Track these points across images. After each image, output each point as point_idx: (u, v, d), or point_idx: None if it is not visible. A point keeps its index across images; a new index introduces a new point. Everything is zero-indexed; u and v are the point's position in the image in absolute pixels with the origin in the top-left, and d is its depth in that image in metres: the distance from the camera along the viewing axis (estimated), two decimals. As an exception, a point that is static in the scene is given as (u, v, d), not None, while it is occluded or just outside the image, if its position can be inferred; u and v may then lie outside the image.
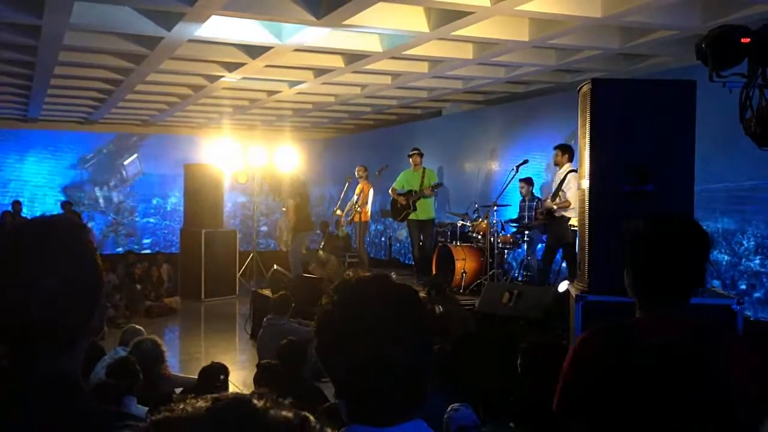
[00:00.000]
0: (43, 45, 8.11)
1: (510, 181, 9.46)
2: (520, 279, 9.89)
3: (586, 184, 4.36)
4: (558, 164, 9.14)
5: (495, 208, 9.66)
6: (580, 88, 4.53)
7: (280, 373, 4.84)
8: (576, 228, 9.05)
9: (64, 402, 1.26)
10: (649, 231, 2.13)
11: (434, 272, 8.19)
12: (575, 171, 8.33)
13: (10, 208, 14.57)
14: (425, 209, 10.88)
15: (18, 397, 1.24)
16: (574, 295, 4.32)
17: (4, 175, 16.35)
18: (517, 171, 9.35)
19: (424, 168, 11.10)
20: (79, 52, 8.88)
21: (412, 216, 10.86)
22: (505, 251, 10.17)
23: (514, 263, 10.83)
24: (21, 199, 15.31)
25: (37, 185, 16.59)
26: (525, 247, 9.94)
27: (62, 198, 16.39)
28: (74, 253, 1.32)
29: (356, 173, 11.86)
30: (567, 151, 9.03)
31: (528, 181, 10.05)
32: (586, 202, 4.35)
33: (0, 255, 1.30)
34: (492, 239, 9.60)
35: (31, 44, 8.16)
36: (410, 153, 11.16)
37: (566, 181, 8.82)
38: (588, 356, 2.06)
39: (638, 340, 2.00)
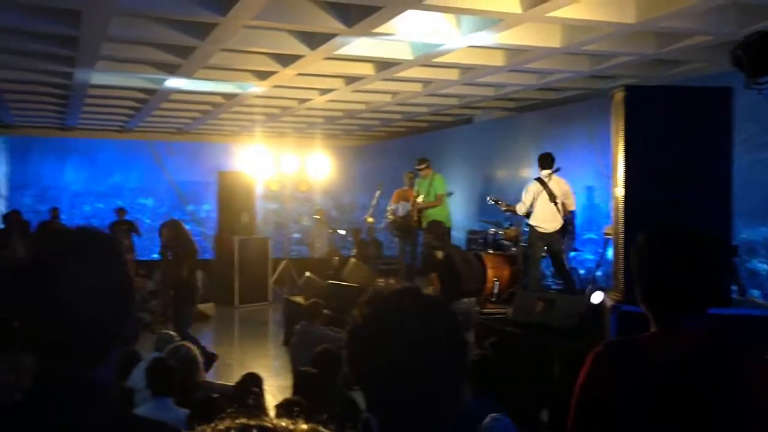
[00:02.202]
0: (80, 56, 8.27)
1: (542, 190, 9.36)
2: (552, 287, 9.79)
3: (620, 192, 4.31)
4: None
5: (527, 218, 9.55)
6: (613, 94, 4.49)
7: (315, 381, 4.85)
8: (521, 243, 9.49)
9: (96, 411, 1.28)
10: (651, 243, 2.08)
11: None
12: (537, 179, 9.02)
13: (48, 216, 14.84)
14: (436, 218, 10.44)
15: (49, 406, 1.26)
16: (608, 306, 4.27)
17: (43, 183, 16.69)
18: (549, 179, 9.25)
19: (434, 174, 11.05)
20: (115, 62, 9.04)
21: (423, 225, 10.79)
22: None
23: (547, 272, 10.74)
24: (59, 207, 15.60)
25: (76, 192, 16.90)
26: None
27: (99, 205, 16.69)
28: (106, 265, 1.34)
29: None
30: (538, 160, 9.28)
31: None
32: (621, 211, 4.30)
33: (34, 266, 1.32)
34: (523, 247, 9.51)
35: (69, 55, 8.32)
36: (417, 167, 11.15)
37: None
38: (594, 375, 2.03)
39: (646, 357, 1.96)
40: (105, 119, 14.56)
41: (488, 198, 10.23)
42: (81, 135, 16.17)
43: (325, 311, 7.67)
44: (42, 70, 9.51)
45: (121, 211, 14.88)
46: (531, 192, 9.03)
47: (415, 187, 11.27)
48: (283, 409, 4.23)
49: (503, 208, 9.84)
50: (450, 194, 10.90)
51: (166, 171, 17.46)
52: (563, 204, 9.02)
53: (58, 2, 6.47)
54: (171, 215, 17.44)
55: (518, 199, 9.30)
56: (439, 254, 7.56)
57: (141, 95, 11.44)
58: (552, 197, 8.84)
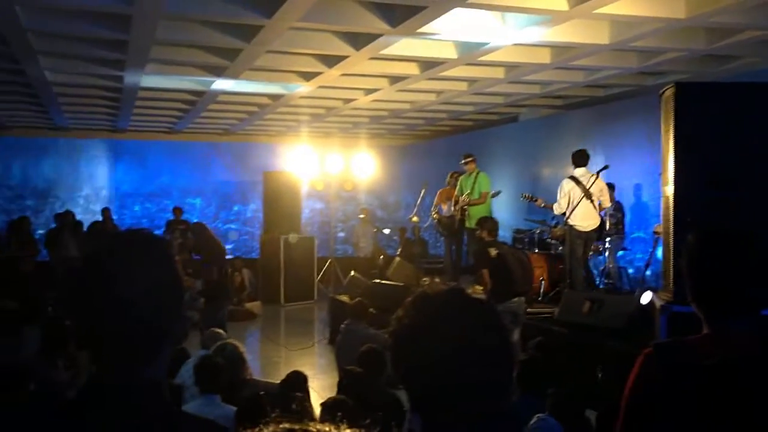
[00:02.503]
0: (130, 59, 8.45)
1: (589, 187, 9.23)
2: (601, 287, 9.65)
3: (670, 191, 4.22)
4: None
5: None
6: (663, 92, 4.40)
7: (361, 381, 4.87)
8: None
9: (148, 408, 1.31)
10: (702, 242, 2.04)
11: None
12: (570, 177, 8.96)
13: (100, 216, 15.19)
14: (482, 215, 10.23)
15: (103, 404, 1.30)
16: (658, 306, 4.19)
17: (95, 184, 17.10)
18: (597, 177, 9.12)
19: (478, 171, 10.94)
20: (164, 65, 9.21)
21: (466, 224, 10.72)
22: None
23: (595, 271, 10.59)
24: (110, 207, 15.96)
25: (126, 193, 17.28)
26: (606, 254, 9.70)
27: (149, 205, 17.05)
28: (158, 266, 1.37)
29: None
30: (572, 158, 9.19)
31: (609, 187, 9.80)
32: (671, 210, 4.22)
33: (88, 267, 1.36)
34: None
35: (120, 58, 8.51)
36: (462, 161, 11.06)
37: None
38: (644, 376, 1.99)
39: (696, 358, 1.91)
40: (155, 121, 14.86)
41: (522, 195, 10.15)
42: (131, 137, 16.52)
43: (371, 310, 7.69)
44: (94, 73, 9.75)
45: (177, 210, 15.10)
46: (565, 191, 8.97)
47: (458, 186, 11.21)
48: (328, 408, 4.25)
49: (542, 205, 9.78)
50: (497, 194, 10.75)
51: (213, 171, 17.74)
52: (599, 202, 8.93)
53: (108, 7, 6.62)
54: (219, 215, 17.79)
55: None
56: (493, 251, 7.47)
57: (189, 97, 11.64)
58: (588, 195, 8.74)
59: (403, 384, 1.36)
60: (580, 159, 9.11)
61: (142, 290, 1.32)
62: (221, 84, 10.18)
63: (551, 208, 9.44)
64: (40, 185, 16.71)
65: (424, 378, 1.32)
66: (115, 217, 16.08)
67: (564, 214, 9.01)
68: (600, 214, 9.01)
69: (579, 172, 9.01)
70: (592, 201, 8.82)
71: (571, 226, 8.76)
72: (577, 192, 8.82)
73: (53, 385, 4.77)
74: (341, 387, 4.84)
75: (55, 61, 8.99)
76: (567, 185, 8.96)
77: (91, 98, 11.92)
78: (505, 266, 7.39)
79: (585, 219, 8.81)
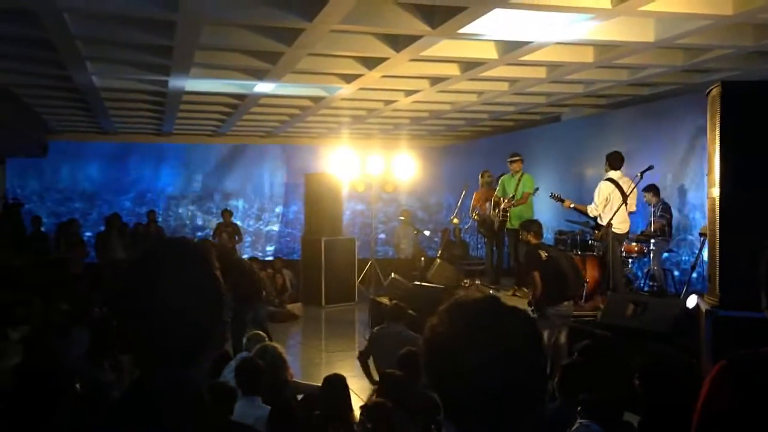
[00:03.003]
0: (174, 64, 8.59)
1: (633, 188, 9.09)
2: (645, 290, 9.48)
3: (715, 192, 4.12)
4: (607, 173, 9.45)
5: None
6: (709, 91, 4.30)
7: (400, 384, 4.87)
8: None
9: (189, 411, 1.33)
10: None
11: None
12: (609, 179, 9.06)
13: (146, 219, 15.47)
14: (522, 217, 10.04)
15: (145, 407, 1.32)
16: (703, 310, 4.09)
17: (141, 187, 17.43)
18: (641, 178, 8.98)
19: (522, 173, 10.84)
20: (207, 69, 9.34)
21: (507, 225, 10.63)
22: (629, 261, 9.77)
23: (639, 273, 10.40)
24: (156, 210, 16.24)
25: (171, 195, 17.58)
26: (651, 256, 9.52)
27: (193, 207, 17.32)
28: (198, 272, 1.40)
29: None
30: (607, 160, 9.38)
31: (649, 189, 9.65)
32: (717, 212, 4.12)
33: (132, 273, 1.39)
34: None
35: (165, 63, 8.66)
36: (509, 159, 10.99)
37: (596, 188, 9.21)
38: (718, 390, 1.92)
39: None
40: (198, 124, 15.07)
41: (550, 194, 10.10)
42: (176, 140, 16.80)
43: (410, 312, 7.68)
44: (140, 78, 9.94)
45: (227, 213, 15.27)
46: (603, 193, 9.01)
47: (500, 185, 11.11)
48: (369, 411, 4.26)
49: (571, 206, 9.80)
50: (536, 190, 10.65)
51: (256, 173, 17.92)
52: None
53: (153, 13, 6.73)
54: (261, 217, 17.98)
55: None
56: (543, 254, 7.41)
57: (232, 101, 11.78)
58: (625, 198, 8.74)
59: (437, 391, 1.35)
60: (616, 161, 9.18)
61: (183, 295, 1.35)
62: (263, 87, 10.28)
63: (582, 210, 9.45)
64: (87, 188, 17.10)
65: (458, 386, 1.32)
66: (159, 219, 16.38)
67: (598, 216, 9.03)
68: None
69: (616, 174, 9.00)
70: (626, 204, 8.79)
71: (611, 228, 8.73)
72: (617, 195, 8.80)
73: (99, 386, 4.87)
74: (381, 390, 4.84)
75: (102, 66, 9.18)
76: (607, 188, 8.96)
77: (136, 102, 12.15)
78: (558, 270, 7.31)
79: (622, 222, 8.87)
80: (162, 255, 1.43)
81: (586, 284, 9.20)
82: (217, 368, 5.48)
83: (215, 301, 1.41)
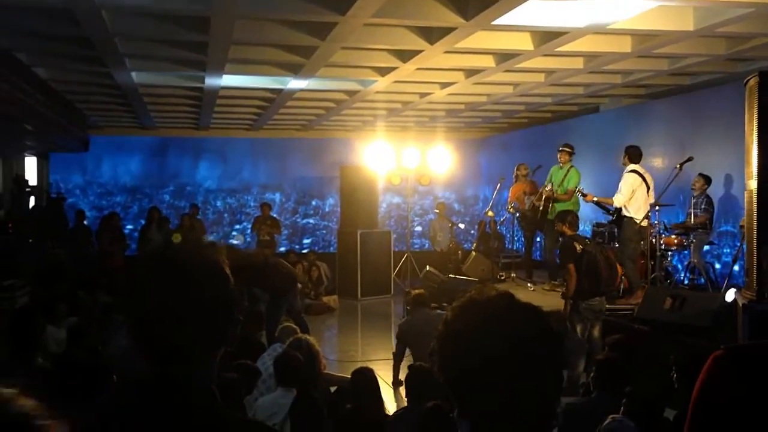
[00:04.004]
0: (210, 59, 8.69)
1: (672, 180, 8.93)
2: (686, 284, 9.32)
3: (753, 185, 4.03)
4: (624, 165, 9.44)
5: (657, 208, 9.13)
6: (747, 80, 4.20)
7: (427, 374, 4.88)
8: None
9: (197, 410, 1.35)
10: None
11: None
12: (634, 171, 9.05)
13: (188, 212, 15.68)
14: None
15: (153, 405, 1.34)
16: (740, 304, 4.01)
17: (180, 180, 17.69)
18: (680, 169, 8.81)
19: (571, 166, 10.67)
20: (242, 64, 9.42)
21: (549, 215, 10.49)
22: (669, 254, 9.61)
23: (680, 266, 10.22)
24: (196, 203, 16.46)
25: (209, 189, 17.80)
26: (691, 248, 9.34)
27: (230, 201, 17.53)
28: (208, 276, 1.41)
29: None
30: (627, 153, 9.39)
31: (704, 177, 9.45)
32: (754, 204, 4.03)
33: (141, 278, 1.42)
34: (653, 241, 9.10)
35: (200, 59, 8.76)
36: (559, 148, 10.85)
37: (622, 179, 9.19)
38: (712, 381, 1.88)
39: None
40: (235, 119, 15.23)
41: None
42: (213, 134, 17.00)
43: (433, 305, 7.81)
44: (177, 74, 10.07)
45: (265, 206, 15.35)
46: (631, 184, 9.03)
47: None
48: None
49: (594, 199, 9.79)
50: (579, 191, 10.31)
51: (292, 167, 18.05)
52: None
53: (188, 10, 6.81)
54: (297, 210, 18.11)
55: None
56: (578, 246, 7.32)
57: (268, 95, 11.87)
58: (648, 190, 8.75)
59: (450, 388, 1.35)
60: (635, 155, 9.28)
61: (191, 296, 1.37)
62: (298, 83, 10.33)
63: (605, 202, 9.43)
64: (128, 182, 17.42)
65: (471, 382, 1.31)
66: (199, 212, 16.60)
67: (623, 207, 9.03)
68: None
69: (640, 168, 9.05)
70: (649, 197, 8.99)
71: (631, 220, 8.84)
72: (644, 188, 8.86)
73: (138, 376, 4.97)
74: (407, 382, 4.86)
75: (140, 63, 9.34)
76: (635, 180, 8.98)
77: (175, 98, 12.32)
78: (593, 265, 7.22)
79: (638, 210, 9.00)
80: (169, 258, 1.45)
81: (623, 279, 9.08)
82: (251, 358, 5.55)
83: (225, 301, 1.42)
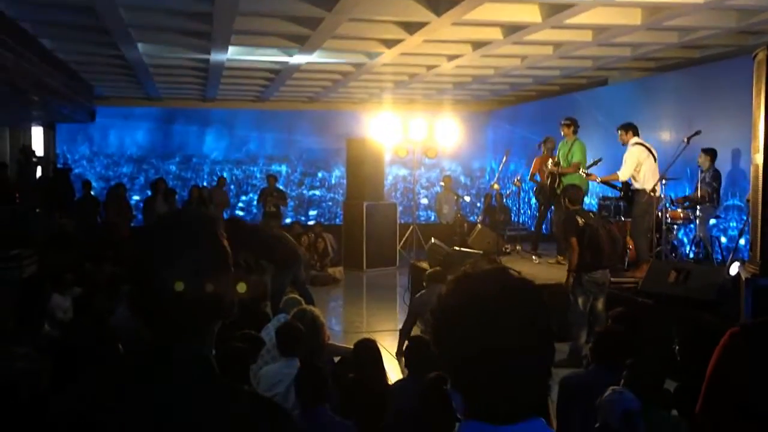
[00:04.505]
0: (215, 31, 8.64)
1: (680, 154, 8.88)
2: (691, 257, 9.31)
3: (759, 159, 4.01)
4: (624, 143, 9.36)
5: (663, 181, 9.09)
6: (755, 54, 4.15)
7: (427, 345, 4.91)
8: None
9: (200, 379, 1.37)
10: None
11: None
12: (638, 144, 9.04)
13: (197, 183, 15.70)
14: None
15: (152, 375, 1.36)
16: (744, 278, 4.01)
17: (187, 152, 17.69)
18: (687, 143, 8.76)
19: (576, 139, 10.59)
20: (248, 36, 9.36)
21: (558, 191, 10.45)
22: (674, 227, 9.59)
23: (685, 239, 10.21)
24: (201, 174, 16.49)
25: (215, 160, 17.81)
26: (697, 222, 9.33)
27: (237, 172, 17.55)
28: (204, 246, 1.42)
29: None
30: (629, 128, 9.35)
31: (708, 152, 9.39)
32: (760, 179, 4.01)
33: (137, 243, 1.43)
34: (659, 215, 9.08)
35: (206, 30, 8.71)
36: (561, 122, 10.75)
37: (627, 153, 9.14)
38: (728, 358, 1.90)
39: None
40: (242, 90, 15.18)
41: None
42: (220, 105, 16.96)
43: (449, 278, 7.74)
44: (182, 45, 10.03)
45: (271, 178, 15.37)
46: (636, 156, 9.01)
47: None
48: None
49: (597, 180, 9.79)
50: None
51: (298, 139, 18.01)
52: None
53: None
54: (304, 181, 18.12)
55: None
56: (580, 220, 7.32)
57: (274, 66, 11.81)
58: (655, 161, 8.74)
59: (443, 362, 1.36)
60: (635, 128, 9.30)
61: (187, 269, 1.37)
62: (304, 55, 10.26)
63: (610, 179, 9.53)
64: (135, 153, 17.43)
65: (462, 356, 1.33)
66: (204, 183, 16.64)
67: (631, 179, 9.01)
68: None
69: (642, 141, 9.06)
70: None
71: (644, 192, 8.73)
72: (651, 159, 8.84)
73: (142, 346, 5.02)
74: (407, 352, 4.89)
75: (145, 33, 9.29)
76: (642, 153, 8.96)
77: (181, 69, 12.27)
78: (594, 239, 7.22)
79: (649, 180, 8.91)
80: (165, 228, 1.46)
81: (628, 251, 9.09)
82: (256, 329, 5.60)
83: (220, 275, 1.43)
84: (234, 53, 10.34)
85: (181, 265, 1.37)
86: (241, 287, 1.45)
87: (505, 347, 1.30)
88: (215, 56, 10.45)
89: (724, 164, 10.11)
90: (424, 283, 7.92)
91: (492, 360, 1.30)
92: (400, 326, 9.34)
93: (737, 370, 1.84)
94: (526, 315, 1.33)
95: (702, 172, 9.41)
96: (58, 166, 15.35)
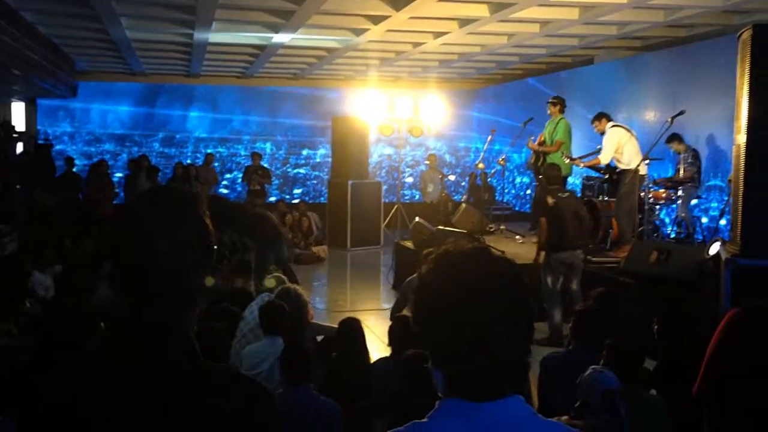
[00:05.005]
0: (200, 4, 8.51)
1: (663, 134, 8.91)
2: (673, 237, 9.39)
3: (742, 139, 4.02)
4: (602, 132, 9.51)
5: (646, 162, 9.13)
6: (740, 34, 4.15)
7: (409, 324, 4.93)
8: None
9: (181, 359, 1.35)
10: None
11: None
12: (616, 126, 9.29)
13: (181, 161, 15.54)
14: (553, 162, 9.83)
15: (133, 355, 1.35)
16: (724, 258, 4.04)
17: (170, 128, 17.52)
18: (671, 123, 8.78)
19: (561, 118, 10.60)
20: (233, 10, 9.24)
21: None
22: (657, 208, 9.65)
23: (667, 219, 10.28)
24: (185, 151, 16.35)
25: (199, 138, 17.66)
26: (679, 202, 9.39)
27: (221, 149, 17.43)
28: (185, 223, 1.41)
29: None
30: (602, 116, 9.65)
31: (672, 139, 9.43)
32: (741, 159, 4.02)
33: (118, 221, 1.41)
34: (642, 195, 9.13)
35: (189, 4, 8.58)
36: (547, 101, 10.79)
37: (605, 137, 9.32)
38: (729, 338, 1.91)
39: None
40: (227, 66, 15.03)
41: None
42: (204, 81, 16.78)
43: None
44: (166, 19, 9.88)
45: (256, 155, 15.29)
46: (616, 139, 9.10)
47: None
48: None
49: (581, 165, 9.95)
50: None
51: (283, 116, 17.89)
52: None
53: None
54: (288, 159, 18.03)
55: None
56: (550, 200, 7.37)
57: (260, 42, 11.68)
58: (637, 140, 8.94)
59: (424, 340, 1.36)
60: (605, 115, 9.62)
61: (168, 246, 1.36)
62: (289, 32, 10.15)
63: (594, 164, 9.59)
64: (117, 130, 17.24)
65: (443, 335, 1.32)
66: (188, 161, 16.50)
67: (614, 160, 9.10)
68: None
69: (618, 123, 9.22)
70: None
71: (633, 171, 8.76)
72: (633, 140, 8.95)
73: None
74: (391, 333, 4.90)
75: (129, 7, 9.15)
76: (622, 134, 9.08)
77: (165, 44, 12.12)
78: (560, 219, 7.27)
79: (633, 159, 8.99)
80: (146, 205, 1.44)
81: (611, 232, 9.14)
82: (240, 307, 5.59)
83: (201, 253, 1.42)
84: (219, 29, 10.21)
85: (163, 242, 1.36)
86: (209, 281, 1.43)
87: (485, 329, 1.30)
88: (199, 34, 10.31)
89: (706, 144, 10.16)
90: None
91: (473, 341, 1.30)
92: (384, 305, 9.41)
93: (738, 343, 1.86)
94: (507, 297, 1.32)
95: (681, 154, 9.47)
96: (39, 142, 15.15)
